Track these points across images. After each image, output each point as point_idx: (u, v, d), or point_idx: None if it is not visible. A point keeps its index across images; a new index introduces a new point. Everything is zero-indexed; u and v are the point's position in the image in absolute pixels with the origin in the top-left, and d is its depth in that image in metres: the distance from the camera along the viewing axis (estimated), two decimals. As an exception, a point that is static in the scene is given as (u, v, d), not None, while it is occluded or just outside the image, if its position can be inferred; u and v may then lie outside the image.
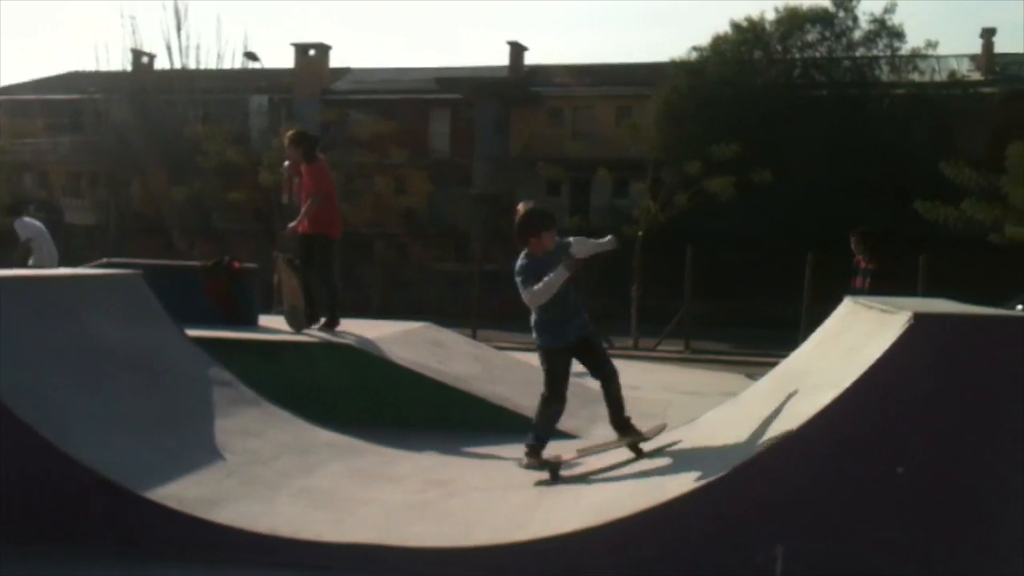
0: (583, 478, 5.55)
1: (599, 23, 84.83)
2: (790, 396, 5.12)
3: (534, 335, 5.77)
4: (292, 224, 8.99)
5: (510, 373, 9.89)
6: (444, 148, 41.17)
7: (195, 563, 4.63)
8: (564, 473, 5.63)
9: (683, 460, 5.23)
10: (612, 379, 5.74)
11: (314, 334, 8.92)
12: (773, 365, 6.69)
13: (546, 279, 5.46)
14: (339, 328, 9.11)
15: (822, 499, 4.37)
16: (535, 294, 5.50)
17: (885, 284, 9.76)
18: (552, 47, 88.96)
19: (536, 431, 5.85)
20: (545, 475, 5.61)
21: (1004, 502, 4.25)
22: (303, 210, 8.95)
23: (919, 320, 4.36)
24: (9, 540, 4.66)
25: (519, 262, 5.66)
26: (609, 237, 5.73)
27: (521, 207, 5.70)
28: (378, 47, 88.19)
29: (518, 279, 5.60)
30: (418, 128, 40.07)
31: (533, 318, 5.74)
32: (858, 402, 4.36)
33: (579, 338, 5.70)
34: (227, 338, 8.36)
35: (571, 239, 5.74)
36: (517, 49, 41.83)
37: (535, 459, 5.77)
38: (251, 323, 10.04)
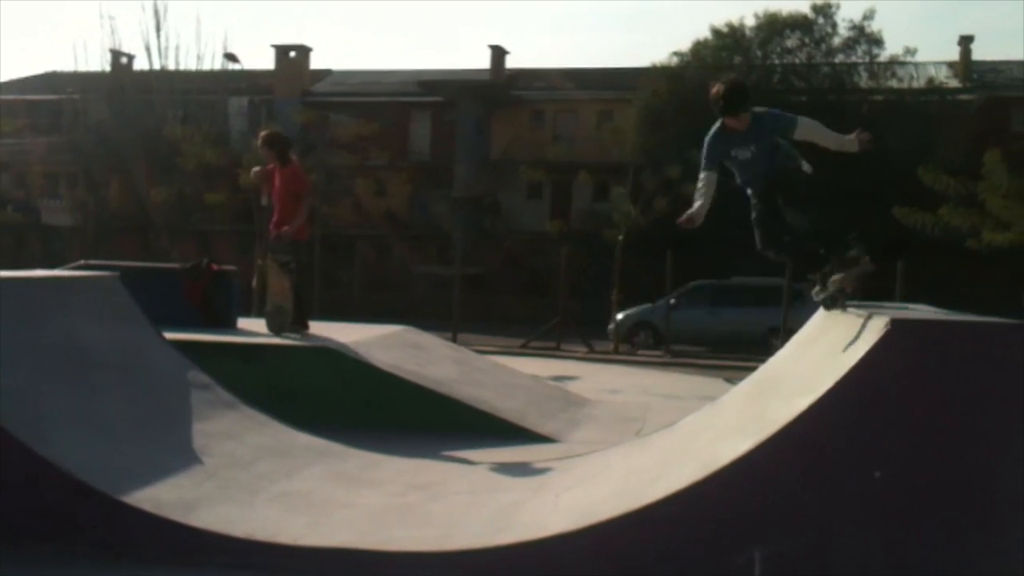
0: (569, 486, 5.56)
1: (580, 27, 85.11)
2: (768, 400, 5.14)
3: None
4: (287, 228, 8.96)
5: (490, 376, 9.88)
6: (425, 150, 41.09)
7: (194, 565, 4.59)
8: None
9: (663, 463, 5.24)
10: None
11: (293, 337, 8.88)
12: (752, 369, 6.73)
13: (698, 204, 5.56)
14: (320, 332, 9.08)
15: (802, 502, 4.39)
16: (696, 197, 5.59)
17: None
18: (534, 51, 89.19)
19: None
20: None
21: (986, 503, 4.29)
22: (300, 212, 8.97)
23: (896, 325, 4.39)
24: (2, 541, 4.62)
25: (712, 132, 5.60)
26: (854, 135, 5.60)
27: (718, 86, 5.48)
28: (359, 49, 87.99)
29: (703, 153, 5.62)
30: (399, 130, 39.94)
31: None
32: (837, 406, 4.39)
33: (765, 184, 5.78)
34: (205, 341, 8.31)
35: (799, 119, 5.63)
36: (499, 52, 41.85)
37: (838, 293, 5.54)
38: (229, 325, 10.00)
